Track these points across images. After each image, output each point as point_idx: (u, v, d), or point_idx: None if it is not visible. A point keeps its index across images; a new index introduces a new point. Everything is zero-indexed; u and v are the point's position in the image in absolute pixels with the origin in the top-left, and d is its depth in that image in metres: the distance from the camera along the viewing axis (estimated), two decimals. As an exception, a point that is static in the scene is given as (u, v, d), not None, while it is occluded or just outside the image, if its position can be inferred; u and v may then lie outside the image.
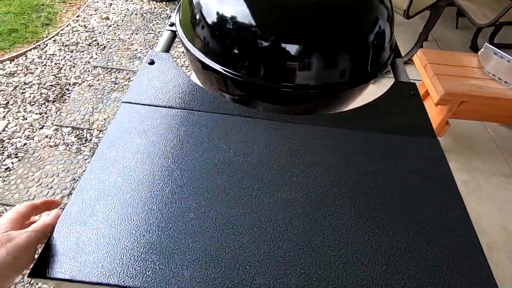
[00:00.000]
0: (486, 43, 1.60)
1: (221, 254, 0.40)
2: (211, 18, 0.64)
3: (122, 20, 2.68)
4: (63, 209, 0.44)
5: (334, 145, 0.56)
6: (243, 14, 0.62)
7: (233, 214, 0.45)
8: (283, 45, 0.62)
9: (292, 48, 0.62)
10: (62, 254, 0.39)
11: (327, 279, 0.40)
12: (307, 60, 0.64)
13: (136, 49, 2.39)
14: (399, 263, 0.42)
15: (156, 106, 0.59)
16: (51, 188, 1.55)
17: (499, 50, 1.53)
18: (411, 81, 0.73)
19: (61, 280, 0.37)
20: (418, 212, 0.48)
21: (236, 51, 0.64)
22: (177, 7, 0.79)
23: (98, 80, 2.13)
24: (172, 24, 0.77)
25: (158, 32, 2.58)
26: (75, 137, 1.78)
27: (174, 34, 0.77)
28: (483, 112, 1.61)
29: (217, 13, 0.64)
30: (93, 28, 2.57)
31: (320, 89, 0.66)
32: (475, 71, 1.59)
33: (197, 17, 0.67)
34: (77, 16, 2.67)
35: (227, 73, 0.64)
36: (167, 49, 0.74)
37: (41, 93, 2.00)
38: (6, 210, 1.46)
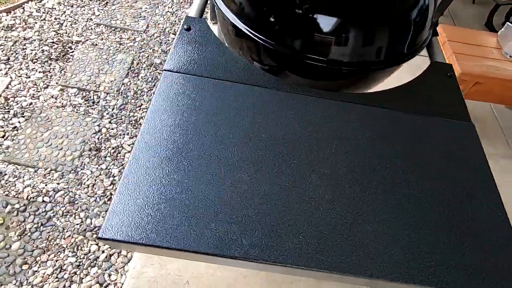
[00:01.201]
0: (507, 23, 1.57)
1: (274, 224, 0.43)
2: None
3: (124, -26, 2.50)
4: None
5: (370, 124, 0.57)
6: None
7: (283, 187, 0.46)
8: (320, 16, 0.60)
9: (329, 21, 0.61)
10: (128, 218, 0.41)
11: (374, 247, 0.43)
12: (344, 35, 0.63)
13: (141, 8, 2.26)
14: (429, 236, 0.45)
15: (197, 76, 0.58)
16: (61, 149, 1.55)
17: (520, 31, 1.50)
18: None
19: (129, 243, 0.39)
20: (445, 193, 0.51)
21: (274, 19, 0.62)
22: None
23: (102, 39, 2.04)
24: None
25: (164, -11, 2.42)
26: (82, 99, 1.74)
27: (207, -2, 0.74)
28: (495, 93, 1.62)
29: None
30: (93, -19, 2.39)
31: (353, 67, 0.65)
32: (493, 52, 1.57)
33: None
34: (75, -34, 2.48)
35: (263, 42, 0.62)
36: (201, 13, 0.71)
37: (42, 50, 1.92)
38: (18, 169, 1.47)
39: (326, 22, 0.61)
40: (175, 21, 2.21)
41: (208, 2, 0.73)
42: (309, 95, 0.60)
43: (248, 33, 0.64)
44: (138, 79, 1.88)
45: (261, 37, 0.62)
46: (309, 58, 0.64)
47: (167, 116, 0.52)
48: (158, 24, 2.18)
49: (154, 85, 1.86)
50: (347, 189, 0.47)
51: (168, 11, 2.28)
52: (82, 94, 1.76)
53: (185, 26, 0.65)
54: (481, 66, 1.49)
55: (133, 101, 1.78)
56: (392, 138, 0.56)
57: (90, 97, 1.76)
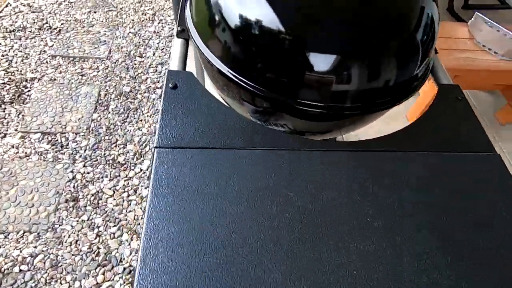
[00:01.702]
0: (476, 13, 1.59)
1: None
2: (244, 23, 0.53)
3: (74, -4, 2.30)
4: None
5: (390, 170, 0.52)
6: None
7: (319, 273, 0.39)
8: (319, 56, 0.53)
9: (328, 60, 0.54)
10: None
11: None
12: (345, 74, 0.56)
13: (99, 32, 2.09)
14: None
15: (197, 148, 0.49)
16: (32, 206, 1.38)
17: (489, 20, 1.53)
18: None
19: None
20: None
21: (278, 69, 0.54)
22: (183, 8, 0.64)
23: (61, 72, 1.85)
24: (183, 31, 0.64)
25: (121, 8, 2.26)
26: (47, 144, 1.57)
27: (187, 43, 0.64)
28: (472, 83, 1.65)
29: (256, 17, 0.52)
30: (40, 8, 2.18)
31: (357, 110, 0.58)
32: (466, 43, 1.59)
33: (227, 22, 0.55)
34: (17, -7, 2.24)
35: (264, 93, 0.54)
36: (185, 63, 0.61)
37: (-7, 94, 1.71)
38: (-16, 238, 1.28)
39: (325, 62, 0.54)
40: (139, 42, 2.06)
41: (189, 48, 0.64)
42: (314, 150, 0.53)
43: (237, 80, 0.55)
44: (109, 112, 1.72)
45: (263, 88, 0.54)
46: (305, 104, 0.55)
47: (172, 200, 0.43)
48: (121, 47, 2.03)
49: (128, 116, 1.72)
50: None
51: (130, 32, 2.12)
52: (47, 138, 1.59)
53: (170, 85, 0.55)
54: (458, 59, 1.51)
55: (106, 138, 1.63)
56: (416, 183, 0.51)
57: (57, 140, 1.59)
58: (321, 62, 0.53)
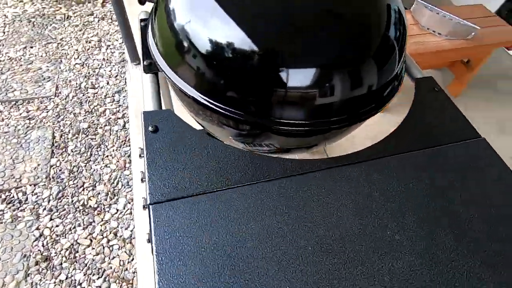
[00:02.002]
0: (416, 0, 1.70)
1: None
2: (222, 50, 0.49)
3: (4, 32, 2.07)
4: None
5: (392, 176, 0.51)
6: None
7: None
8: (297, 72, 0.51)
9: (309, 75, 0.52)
10: None
11: None
12: (328, 86, 0.54)
13: (41, 68, 1.90)
14: None
15: (192, 196, 0.44)
16: (-4, 278, 1.20)
17: (429, 4, 1.65)
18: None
19: None
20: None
21: (262, 93, 0.50)
22: (145, 40, 0.59)
23: (3, 119, 1.65)
24: (150, 64, 0.58)
25: (61, 39, 2.08)
26: (2, 203, 1.38)
27: (156, 77, 0.58)
28: (424, 63, 1.76)
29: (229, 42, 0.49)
30: (-36, 51, 1.93)
31: (342, 123, 0.56)
32: (413, 28, 1.69)
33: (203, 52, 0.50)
34: None
35: (244, 117, 0.50)
36: (159, 101, 0.56)
37: None
38: None
39: (304, 77, 0.51)
40: (89, 72, 1.91)
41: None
42: (313, 171, 0.50)
43: (214, 106, 0.51)
44: (69, 154, 1.57)
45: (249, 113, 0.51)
46: (289, 124, 0.52)
47: (182, 263, 0.38)
48: (69, 81, 1.86)
49: (91, 154, 1.58)
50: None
51: (76, 63, 1.96)
52: (1, 197, 1.40)
53: (150, 129, 0.49)
54: (409, 45, 1.60)
55: (71, 183, 1.48)
56: (421, 186, 0.51)
57: (13, 197, 1.41)
58: (299, 78, 0.50)
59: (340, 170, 0.50)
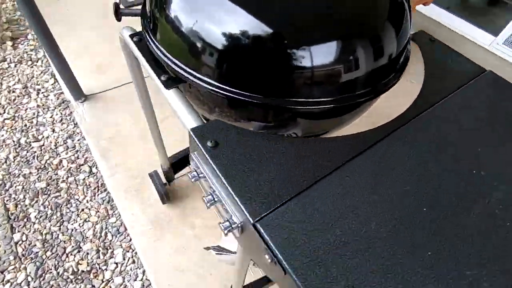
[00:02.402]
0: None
1: None
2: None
3: None
4: None
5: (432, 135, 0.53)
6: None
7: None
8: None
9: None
10: None
11: None
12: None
13: (-41, 135, 1.56)
14: None
15: (290, 198, 0.39)
16: None
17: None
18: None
19: None
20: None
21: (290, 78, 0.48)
22: (154, 57, 0.51)
23: None
24: (169, 79, 0.51)
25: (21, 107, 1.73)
26: (-33, 308, 1.10)
27: (179, 91, 0.51)
28: None
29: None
30: None
31: (370, 94, 0.57)
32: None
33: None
34: None
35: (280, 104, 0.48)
36: (197, 113, 0.49)
37: None
38: None
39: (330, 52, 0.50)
40: (25, 125, 1.63)
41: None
42: (380, 139, 0.50)
43: (246, 98, 0.48)
44: (33, 223, 1.32)
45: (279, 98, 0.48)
46: (319, 103, 0.51)
47: (325, 269, 0.34)
48: (4, 142, 1.57)
49: (61, 214, 1.36)
50: None
51: (5, 119, 1.66)
52: (-37, 301, 1.12)
53: (209, 144, 0.43)
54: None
55: (49, 253, 1.25)
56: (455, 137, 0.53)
57: (-20, 295, 1.13)
58: (322, 54, 0.49)
59: (404, 129, 0.50)
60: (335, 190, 0.41)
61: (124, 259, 1.27)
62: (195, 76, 0.47)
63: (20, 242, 1.28)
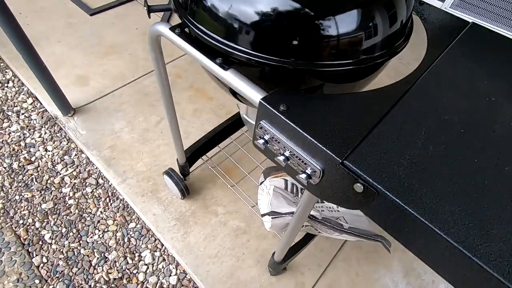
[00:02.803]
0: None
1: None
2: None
3: None
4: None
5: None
6: None
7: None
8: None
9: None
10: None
11: None
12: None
13: None
14: None
15: (365, 138, 0.48)
16: None
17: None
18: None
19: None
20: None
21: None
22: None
23: None
24: (223, 62, 0.56)
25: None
26: None
27: (235, 70, 0.57)
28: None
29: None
30: None
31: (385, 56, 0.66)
32: None
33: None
34: None
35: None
36: (259, 86, 0.55)
37: None
38: None
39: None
40: (14, 149, 1.55)
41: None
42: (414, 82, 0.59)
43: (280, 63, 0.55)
44: (50, 244, 1.29)
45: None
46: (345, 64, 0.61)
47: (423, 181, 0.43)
48: (-6, 169, 1.48)
49: (77, 230, 1.34)
50: None
51: (-12, 147, 1.56)
52: (-2, 333, 1.08)
53: (282, 108, 0.50)
54: None
55: (75, 269, 1.24)
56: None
57: (14, 323, 1.10)
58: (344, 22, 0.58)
59: (424, 78, 0.60)
60: (398, 126, 0.50)
61: (153, 259, 1.29)
62: (247, 53, 0.54)
63: (42, 265, 1.25)
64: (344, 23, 0.54)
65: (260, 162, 1.39)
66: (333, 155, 0.45)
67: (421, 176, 0.44)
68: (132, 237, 1.34)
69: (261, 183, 1.06)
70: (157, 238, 1.32)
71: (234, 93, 0.75)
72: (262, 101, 0.51)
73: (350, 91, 0.72)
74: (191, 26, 0.58)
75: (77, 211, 1.39)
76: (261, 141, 0.56)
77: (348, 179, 0.46)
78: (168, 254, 1.29)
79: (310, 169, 0.51)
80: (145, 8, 0.63)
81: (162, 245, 1.31)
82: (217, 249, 1.24)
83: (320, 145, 0.46)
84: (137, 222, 1.38)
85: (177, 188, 1.28)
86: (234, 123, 1.40)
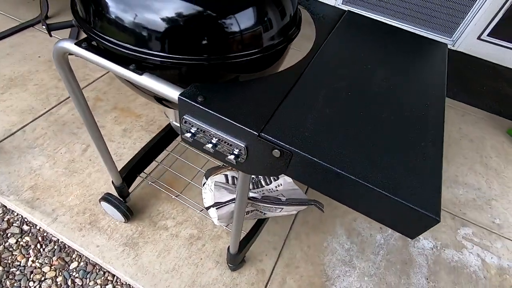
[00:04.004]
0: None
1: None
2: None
3: None
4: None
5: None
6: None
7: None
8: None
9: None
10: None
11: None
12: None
13: None
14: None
15: (274, 112, 0.56)
16: None
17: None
18: None
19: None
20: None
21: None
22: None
23: None
24: (136, 68, 0.59)
25: None
26: None
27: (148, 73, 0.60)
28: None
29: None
30: None
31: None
32: None
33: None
34: None
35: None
36: (173, 85, 0.59)
37: None
38: None
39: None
40: None
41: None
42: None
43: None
44: (-26, 313, 1.10)
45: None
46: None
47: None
48: None
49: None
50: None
51: None
52: None
53: (199, 99, 0.54)
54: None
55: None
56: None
57: None
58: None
59: (317, 57, 0.72)
60: (300, 97, 0.59)
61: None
62: (161, 56, 0.58)
63: None
64: (243, 20, 0.62)
65: (201, 167, 1.41)
66: (251, 131, 0.52)
67: (322, 133, 0.54)
68: (77, 277, 1.22)
69: (204, 184, 1.09)
70: (105, 270, 1.23)
71: (159, 100, 0.78)
72: (181, 97, 0.56)
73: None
74: (99, 39, 0.59)
75: (0, 268, 1.21)
76: (188, 134, 0.60)
77: (267, 149, 0.53)
78: (122, 283, 1.22)
79: (236, 149, 0.57)
80: (44, 27, 0.62)
81: (113, 275, 1.23)
82: (174, 261, 1.22)
83: (239, 125, 0.53)
84: (79, 260, 1.26)
85: (118, 212, 1.22)
86: (167, 135, 1.40)
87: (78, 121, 1.64)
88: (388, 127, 0.58)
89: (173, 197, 1.34)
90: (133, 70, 0.59)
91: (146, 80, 0.59)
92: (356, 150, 0.52)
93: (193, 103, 0.55)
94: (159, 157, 1.41)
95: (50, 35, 0.64)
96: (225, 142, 0.58)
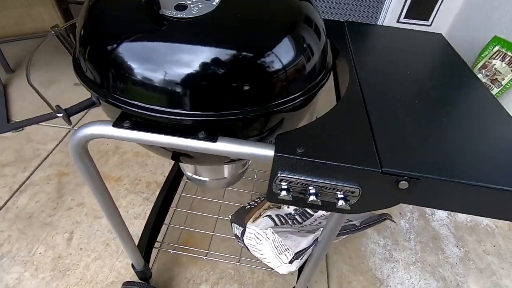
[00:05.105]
0: None
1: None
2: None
3: None
4: None
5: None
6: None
7: None
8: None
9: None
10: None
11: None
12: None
13: None
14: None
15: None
16: None
17: None
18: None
19: None
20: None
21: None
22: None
23: None
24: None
25: None
26: None
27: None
28: None
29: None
30: None
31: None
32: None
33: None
34: None
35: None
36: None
37: None
38: None
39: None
40: None
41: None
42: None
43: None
44: None
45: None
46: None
47: None
48: None
49: None
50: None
51: None
52: None
53: (299, 151, 0.47)
54: None
55: None
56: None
57: None
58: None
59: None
60: (384, 122, 0.56)
61: None
62: (235, 114, 0.49)
63: None
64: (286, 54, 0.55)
65: (216, 214, 1.28)
66: (372, 169, 0.47)
67: (433, 149, 0.51)
68: None
69: (242, 233, 0.97)
70: None
71: (176, 157, 0.66)
72: (278, 154, 0.47)
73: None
74: (155, 114, 0.47)
75: None
76: (284, 192, 0.51)
77: (390, 182, 0.48)
78: None
79: (348, 192, 0.50)
80: (61, 115, 0.47)
81: None
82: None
83: (356, 166, 0.47)
84: None
85: (147, 298, 1.02)
86: (169, 191, 1.24)
87: (46, 209, 1.35)
88: (472, 126, 0.58)
89: (204, 258, 1.17)
90: (203, 139, 0.48)
91: (223, 146, 0.49)
92: (472, 156, 0.50)
93: (294, 157, 0.47)
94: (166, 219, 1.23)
95: (70, 122, 0.49)
96: (328, 189, 0.51)
